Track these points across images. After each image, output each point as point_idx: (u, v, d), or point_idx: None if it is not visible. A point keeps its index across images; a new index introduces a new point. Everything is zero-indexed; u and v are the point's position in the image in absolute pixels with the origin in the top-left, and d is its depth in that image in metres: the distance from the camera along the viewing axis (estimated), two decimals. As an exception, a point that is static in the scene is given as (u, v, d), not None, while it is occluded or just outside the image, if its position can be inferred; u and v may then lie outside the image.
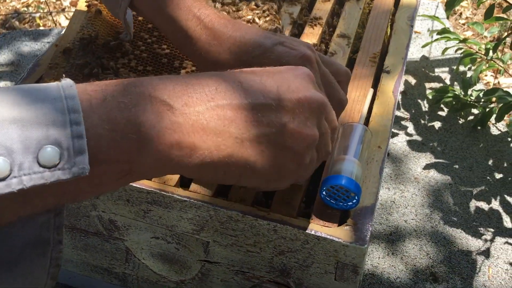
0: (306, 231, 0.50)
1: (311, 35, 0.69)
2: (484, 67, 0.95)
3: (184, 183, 0.55)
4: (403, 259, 0.80)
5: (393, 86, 0.62)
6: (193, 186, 0.54)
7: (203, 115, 0.37)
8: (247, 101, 0.39)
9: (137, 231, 0.58)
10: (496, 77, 1.50)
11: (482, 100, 0.97)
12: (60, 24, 1.55)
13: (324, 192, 0.50)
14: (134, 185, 0.53)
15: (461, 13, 1.57)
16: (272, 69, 0.43)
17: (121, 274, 0.65)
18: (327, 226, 0.50)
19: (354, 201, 0.50)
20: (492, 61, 0.96)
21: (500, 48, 1.27)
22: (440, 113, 1.01)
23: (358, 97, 0.61)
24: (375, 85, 0.64)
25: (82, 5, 0.67)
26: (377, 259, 0.80)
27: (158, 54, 0.63)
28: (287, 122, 0.40)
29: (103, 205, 0.57)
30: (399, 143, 0.96)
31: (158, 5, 0.54)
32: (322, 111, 0.43)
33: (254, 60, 0.50)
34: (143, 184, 0.53)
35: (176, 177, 0.54)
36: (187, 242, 0.57)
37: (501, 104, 0.85)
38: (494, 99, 0.94)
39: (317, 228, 0.50)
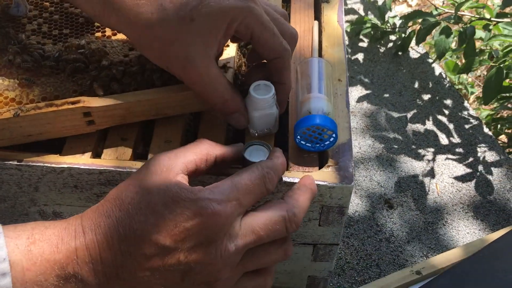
0: (288, 181, 0.46)
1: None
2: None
3: (139, 155, 0.48)
4: (357, 192, 0.80)
5: (336, 15, 0.59)
6: (151, 156, 0.47)
7: None
8: None
9: (90, 219, 0.51)
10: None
11: (398, 26, 0.98)
12: None
13: (298, 136, 0.47)
14: (82, 167, 0.46)
15: None
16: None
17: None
18: (309, 171, 0.46)
19: (332, 139, 0.47)
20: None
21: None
22: (361, 44, 1.00)
23: (304, 32, 0.57)
24: (317, 17, 0.60)
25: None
26: (332, 198, 0.79)
27: (72, 13, 0.54)
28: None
29: (45, 197, 0.49)
30: (328, 80, 0.94)
31: None
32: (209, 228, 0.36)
33: (193, 13, 0.43)
34: (94, 164, 0.46)
35: (129, 151, 0.48)
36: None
37: (422, 27, 0.86)
38: (410, 23, 0.95)
39: (299, 175, 0.46)
